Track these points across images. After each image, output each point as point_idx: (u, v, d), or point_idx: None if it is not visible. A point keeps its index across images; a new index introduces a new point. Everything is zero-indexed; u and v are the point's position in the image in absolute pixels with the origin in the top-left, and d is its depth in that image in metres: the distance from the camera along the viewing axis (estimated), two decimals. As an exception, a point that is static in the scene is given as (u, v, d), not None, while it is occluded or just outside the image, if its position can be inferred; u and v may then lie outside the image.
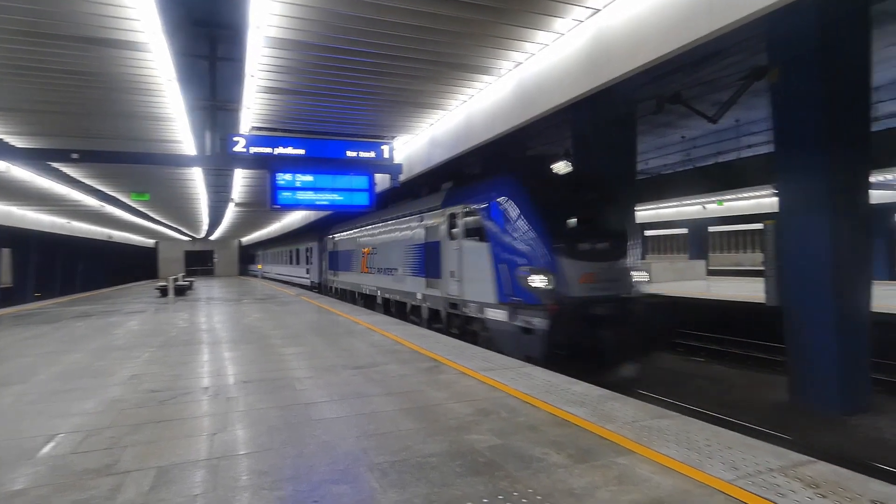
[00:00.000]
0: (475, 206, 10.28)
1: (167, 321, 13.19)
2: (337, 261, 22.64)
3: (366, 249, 17.65)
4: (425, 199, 13.35)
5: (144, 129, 11.69)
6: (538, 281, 8.65)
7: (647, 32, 6.06)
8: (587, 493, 3.23)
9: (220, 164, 10.42)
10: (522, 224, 9.16)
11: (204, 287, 30.55)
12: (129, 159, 10.59)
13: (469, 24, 7.00)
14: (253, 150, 9.61)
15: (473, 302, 10.17)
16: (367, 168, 9.99)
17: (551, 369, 6.73)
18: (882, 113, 15.04)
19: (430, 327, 11.85)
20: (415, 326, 11.32)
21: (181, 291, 23.28)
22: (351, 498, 3.24)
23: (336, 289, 22.80)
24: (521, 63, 8.36)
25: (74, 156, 9.09)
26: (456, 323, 11.24)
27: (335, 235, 23.04)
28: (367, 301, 17.86)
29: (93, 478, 3.60)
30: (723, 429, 4.38)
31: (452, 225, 11.07)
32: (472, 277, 10.22)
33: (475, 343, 9.36)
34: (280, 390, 5.91)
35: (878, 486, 3.24)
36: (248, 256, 59.91)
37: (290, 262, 35.94)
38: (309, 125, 11.92)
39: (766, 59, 9.46)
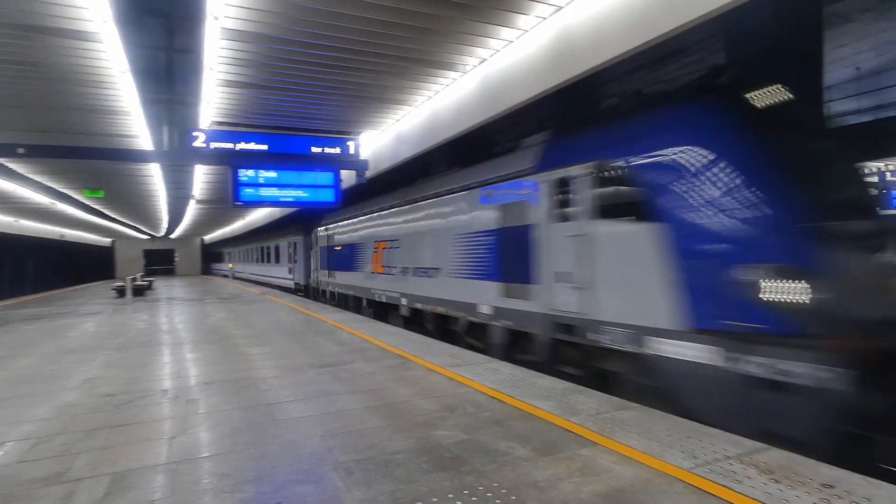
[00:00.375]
0: (628, 163, 5.99)
1: (124, 322, 12.75)
2: (333, 258, 17.84)
3: (381, 243, 13.27)
4: (496, 162, 8.89)
5: (97, 123, 11.23)
6: (794, 291, 4.57)
7: (609, 30, 6.14)
8: (551, 485, 3.27)
9: (178, 160, 10.11)
10: (742, 187, 5.02)
11: (165, 287, 29.70)
12: (81, 154, 10.15)
13: (433, 20, 6.96)
14: (214, 145, 9.35)
15: (620, 326, 5.94)
16: (332, 164, 9.85)
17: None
18: (833, 112, 15.67)
19: (510, 359, 7.80)
20: (383, 324, 11.22)
21: (140, 291, 22.56)
22: (315, 498, 3.19)
23: (332, 293, 18.11)
24: (486, 59, 8.37)
25: (20, 150, 8.67)
26: (571, 357, 6.86)
27: (331, 226, 18.30)
28: (380, 310, 13.67)
29: (41, 487, 3.44)
30: (682, 419, 4.50)
31: (564, 198, 6.88)
32: (616, 282, 6.04)
33: (619, 396, 5.54)
34: (243, 391, 5.78)
35: (827, 471, 3.38)
36: (212, 255, 58.47)
37: (268, 261, 31.10)
38: (272, 120, 11.68)
39: (723, 58, 9.72)
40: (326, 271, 18.77)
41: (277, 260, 28.50)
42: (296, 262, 24.34)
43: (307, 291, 22.28)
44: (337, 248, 17.52)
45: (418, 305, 11.00)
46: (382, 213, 13.38)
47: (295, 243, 24.45)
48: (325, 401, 5.29)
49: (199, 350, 8.45)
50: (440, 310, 10.08)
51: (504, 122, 9.09)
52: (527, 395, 5.27)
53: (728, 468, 3.45)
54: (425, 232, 10.81)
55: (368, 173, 12.96)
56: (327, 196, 10.35)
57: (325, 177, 9.94)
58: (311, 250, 21.71)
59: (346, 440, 4.16)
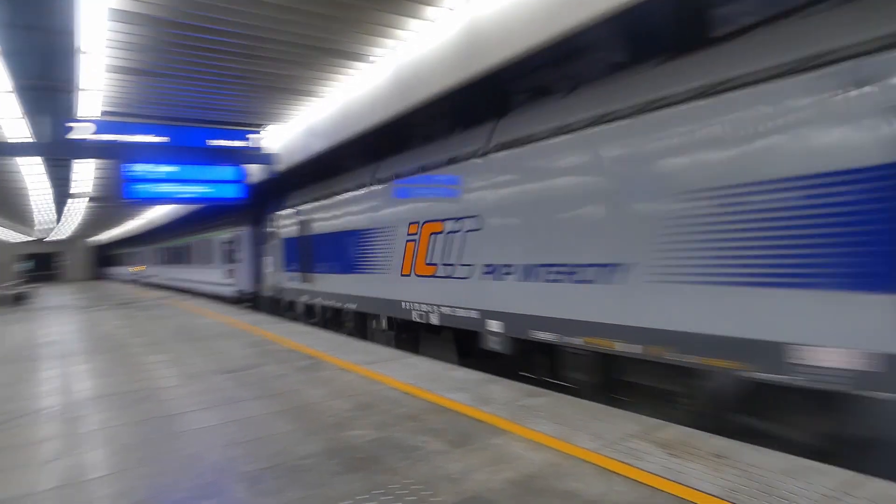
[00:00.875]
0: None
1: None
2: (311, 253, 11.64)
3: (427, 225, 7.74)
4: None
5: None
6: None
7: (516, 24, 6.24)
8: (464, 476, 3.27)
9: (56, 153, 9.15)
10: None
11: (50, 294, 27.02)
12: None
13: (339, 7, 6.75)
14: (99, 136, 8.57)
15: None
16: (234, 158, 9.33)
17: None
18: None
19: None
20: (295, 324, 10.77)
21: (17, 300, 20.34)
22: (215, 513, 2.99)
23: (309, 306, 12.12)
24: (395, 50, 8.25)
25: None
26: None
27: (305, 207, 12.04)
28: (410, 333, 8.62)
29: None
30: (589, 402, 4.68)
31: None
32: None
33: None
34: (139, 404, 5.32)
35: (717, 441, 3.65)
36: (110, 257, 53.76)
37: (194, 262, 23.69)
38: (169, 110, 10.82)
39: (625, 56, 10.23)
40: (298, 274, 12.26)
41: (209, 260, 21.15)
42: (238, 261, 17.54)
43: (256, 302, 16.14)
44: (319, 239, 11.29)
45: (541, 335, 5.72)
46: (433, 174, 7.74)
47: (236, 238, 17.69)
48: (229, 408, 4.98)
49: (88, 362, 7.71)
50: (624, 348, 4.90)
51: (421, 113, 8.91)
52: (442, 388, 5.27)
53: (631, 446, 3.62)
54: (573, 196, 5.46)
55: (280, 167, 12.47)
56: (232, 191, 9.84)
57: (229, 171, 9.41)
58: (264, 244, 15.24)
59: (252, 448, 3.94)
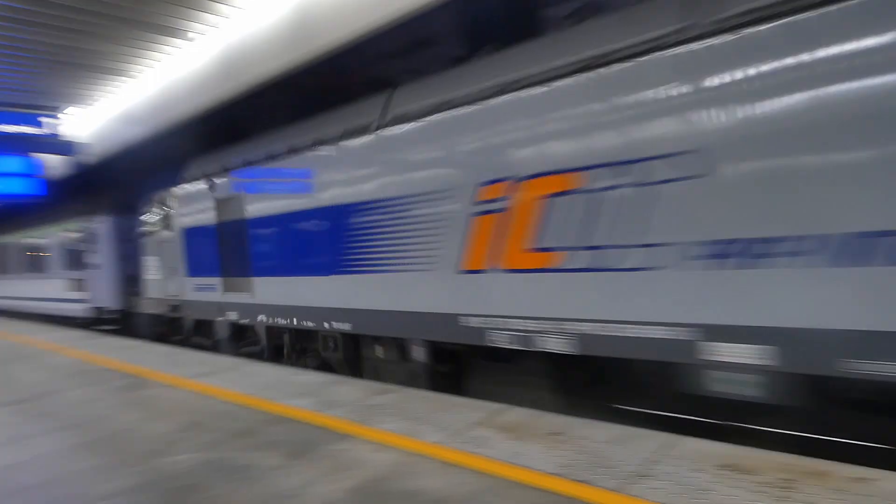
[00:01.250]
0: None
1: None
2: (243, 247, 7.21)
3: (538, 182, 4.25)
4: None
5: None
6: None
7: (350, 6, 5.96)
8: (301, 492, 2.98)
9: None
10: None
11: None
12: None
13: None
14: None
15: None
16: (22, 145, 7.81)
17: None
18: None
19: None
20: (118, 337, 9.42)
21: None
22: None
23: (246, 329, 7.82)
24: (218, 27, 7.48)
25: None
26: None
27: (228, 179, 7.44)
28: (453, 368, 5.36)
29: None
30: (436, 393, 4.63)
31: None
32: None
33: None
34: None
35: (556, 419, 3.78)
36: None
37: (13, 271, 17.21)
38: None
39: (463, 50, 10.42)
40: (219, 279, 7.79)
41: (40, 267, 15.41)
42: (93, 266, 12.20)
43: (126, 323, 11.54)
44: (264, 224, 6.98)
45: None
46: (543, 89, 4.25)
47: (92, 232, 12.00)
48: (12, 448, 4.08)
49: None
50: None
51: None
52: (283, 396, 4.86)
53: (474, 434, 3.60)
54: None
55: (92, 159, 10.80)
56: (25, 187, 8.24)
57: (15, 162, 7.84)
58: (141, 239, 9.99)
59: (36, 496, 3.23)
